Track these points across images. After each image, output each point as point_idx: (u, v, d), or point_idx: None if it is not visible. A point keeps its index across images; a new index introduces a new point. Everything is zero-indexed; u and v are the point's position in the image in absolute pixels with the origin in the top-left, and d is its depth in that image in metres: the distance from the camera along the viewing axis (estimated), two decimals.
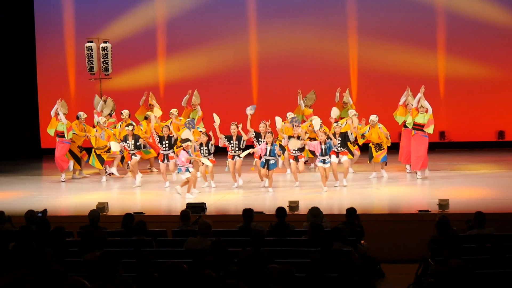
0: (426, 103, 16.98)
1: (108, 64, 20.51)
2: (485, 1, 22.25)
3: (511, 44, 22.36)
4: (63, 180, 18.30)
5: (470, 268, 8.20)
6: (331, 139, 16.18)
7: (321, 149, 15.92)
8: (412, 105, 17.41)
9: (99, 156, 18.12)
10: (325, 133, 16.12)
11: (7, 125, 23.79)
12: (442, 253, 8.70)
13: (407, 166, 18.02)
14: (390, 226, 13.11)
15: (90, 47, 20.51)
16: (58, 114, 18.20)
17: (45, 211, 12.60)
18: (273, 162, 16.03)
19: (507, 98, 22.44)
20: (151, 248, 10.21)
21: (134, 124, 17.99)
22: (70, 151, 18.44)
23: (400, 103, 17.91)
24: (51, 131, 18.53)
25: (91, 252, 9.04)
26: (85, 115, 18.71)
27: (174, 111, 18.79)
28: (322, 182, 16.03)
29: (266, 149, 15.97)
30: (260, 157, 16.57)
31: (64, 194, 17.04)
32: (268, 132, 16.18)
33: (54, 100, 18.66)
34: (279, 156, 16.21)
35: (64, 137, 18.23)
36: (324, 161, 15.97)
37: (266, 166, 16.00)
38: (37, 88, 23.75)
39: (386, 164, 17.67)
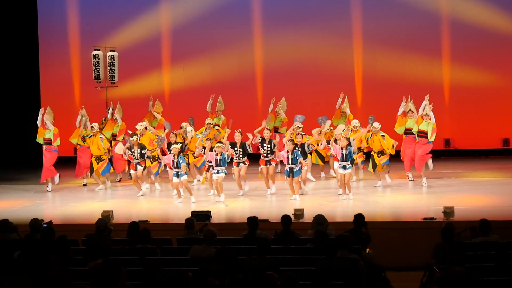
0: (431, 114, 17.01)
1: (114, 73, 20.55)
2: (490, 9, 22.26)
3: None
4: (50, 190, 18.32)
5: (475, 275, 8.18)
6: (351, 145, 16.06)
7: (342, 154, 15.85)
8: (412, 112, 17.46)
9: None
10: (347, 138, 16.06)
11: (9, 133, 23.82)
12: (447, 261, 8.69)
13: (409, 174, 18.03)
14: (395, 233, 13.09)
15: (97, 55, 20.55)
16: (45, 123, 18.22)
17: (50, 222, 12.58)
18: (297, 169, 15.96)
19: None
20: (156, 256, 10.21)
21: (137, 134, 17.86)
22: (91, 161, 18.42)
23: (399, 113, 17.90)
24: (40, 140, 18.55)
25: (96, 260, 9.04)
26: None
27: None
28: (341, 188, 16.02)
29: (288, 157, 15.94)
30: (266, 163, 16.60)
31: (69, 202, 17.04)
32: (289, 140, 16.12)
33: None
34: (301, 163, 16.14)
35: (51, 144, 18.28)
36: (344, 167, 15.89)
37: (290, 174, 15.96)
38: (40, 97, 23.77)
39: (389, 169, 17.68)
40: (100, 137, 18.44)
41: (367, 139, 17.51)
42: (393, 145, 17.39)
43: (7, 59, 23.72)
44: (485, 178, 18.47)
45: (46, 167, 18.42)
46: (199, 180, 18.33)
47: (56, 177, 18.54)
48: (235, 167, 16.64)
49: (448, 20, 22.55)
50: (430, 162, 17.48)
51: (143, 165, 17.42)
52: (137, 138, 17.41)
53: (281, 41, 23.02)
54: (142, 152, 17.30)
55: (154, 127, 18.61)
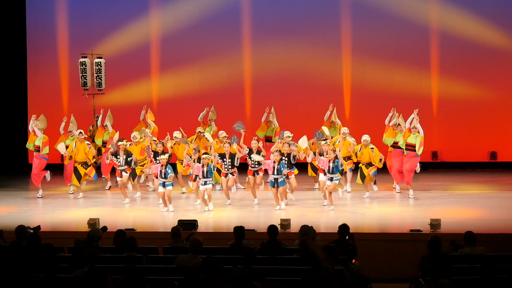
0: (419, 126, 17.03)
1: (101, 80, 20.50)
2: (478, 22, 22.33)
3: (504, 65, 22.44)
4: (40, 196, 18.26)
5: None
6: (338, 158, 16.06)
7: (329, 167, 15.86)
8: (401, 126, 17.50)
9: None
10: (334, 151, 16.05)
11: None
12: (433, 273, 8.69)
13: (397, 186, 18.06)
14: (382, 245, 13.09)
15: (84, 62, 20.51)
16: (35, 129, 18.21)
17: (38, 227, 12.53)
18: (282, 180, 15.97)
19: (499, 119, 22.48)
20: (142, 264, 10.17)
21: (124, 140, 17.80)
22: (74, 168, 18.32)
23: (386, 123, 17.96)
24: (30, 146, 18.56)
25: (82, 268, 8.99)
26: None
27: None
28: (325, 198, 16.04)
29: (274, 167, 15.94)
30: (253, 174, 16.63)
31: (56, 209, 16.97)
32: (276, 151, 16.13)
33: (45, 116, 18.70)
34: (285, 175, 16.07)
35: (39, 152, 18.26)
36: (331, 179, 15.89)
37: (275, 185, 15.97)
38: (27, 103, 23.69)
39: (375, 179, 17.74)
40: (87, 144, 18.38)
41: (356, 153, 17.55)
42: (380, 159, 17.40)
43: None
44: (472, 191, 18.50)
45: (35, 173, 18.38)
46: (184, 192, 18.34)
47: (47, 175, 18.46)
48: (223, 177, 16.68)
49: (437, 32, 22.61)
50: (417, 165, 17.49)
51: (128, 172, 17.41)
52: (124, 144, 17.41)
53: (270, 51, 23.03)
54: (128, 159, 17.29)
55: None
